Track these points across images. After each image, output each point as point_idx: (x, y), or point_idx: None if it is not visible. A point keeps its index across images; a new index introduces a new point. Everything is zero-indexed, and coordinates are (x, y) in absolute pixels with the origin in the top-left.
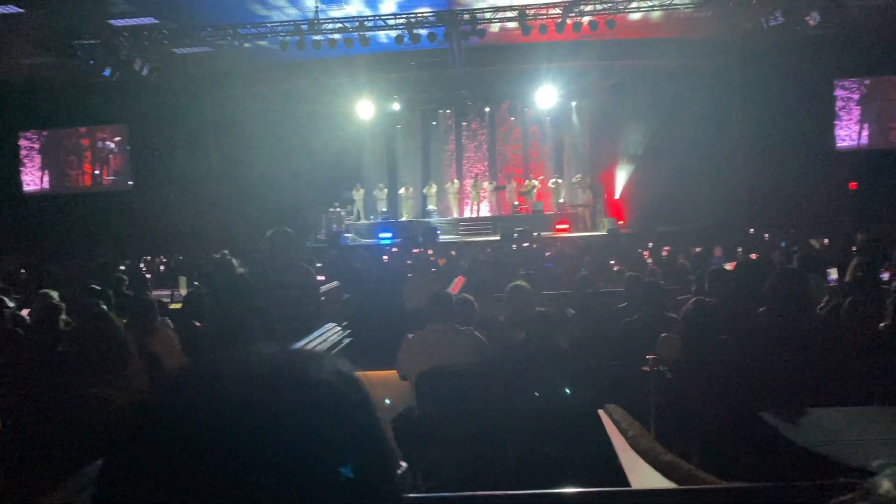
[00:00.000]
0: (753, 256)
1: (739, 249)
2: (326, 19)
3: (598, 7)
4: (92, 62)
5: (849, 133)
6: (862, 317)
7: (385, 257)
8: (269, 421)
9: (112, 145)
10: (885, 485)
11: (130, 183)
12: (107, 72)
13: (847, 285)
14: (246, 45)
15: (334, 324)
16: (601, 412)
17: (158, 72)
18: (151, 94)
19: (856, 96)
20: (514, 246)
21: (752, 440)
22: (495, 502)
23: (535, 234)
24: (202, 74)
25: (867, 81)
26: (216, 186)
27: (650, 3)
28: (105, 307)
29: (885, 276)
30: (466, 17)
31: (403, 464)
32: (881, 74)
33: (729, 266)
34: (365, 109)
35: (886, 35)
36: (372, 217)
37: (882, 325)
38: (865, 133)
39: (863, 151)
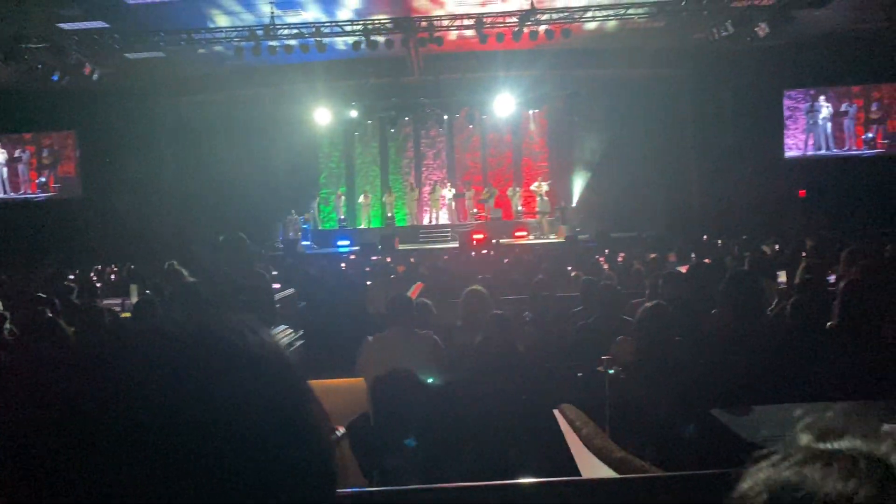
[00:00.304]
0: (707, 261)
1: (693, 255)
2: (282, 25)
3: (554, 16)
4: (40, 66)
5: (795, 142)
6: (808, 317)
7: (343, 265)
8: (181, 389)
9: (57, 151)
10: (804, 438)
11: (80, 190)
12: (55, 76)
13: (795, 287)
14: (200, 50)
15: (286, 326)
16: (556, 412)
17: (109, 77)
18: (102, 99)
19: (802, 106)
20: (473, 253)
21: (703, 436)
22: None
23: (493, 240)
24: (155, 80)
25: (812, 91)
26: (170, 193)
27: (605, 13)
28: (52, 316)
29: (832, 278)
30: (424, 24)
31: (340, 429)
32: (828, 85)
33: (682, 269)
34: (322, 116)
35: (832, 46)
36: (330, 225)
37: (829, 324)
38: (811, 142)
39: (810, 160)
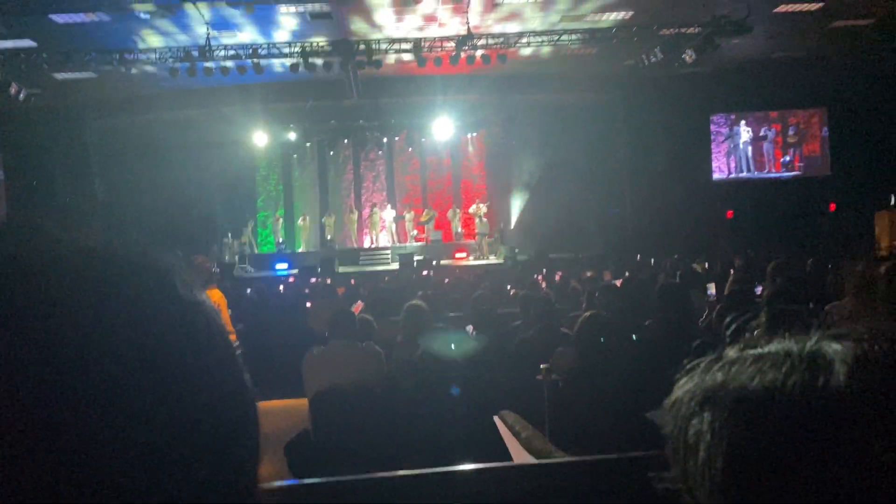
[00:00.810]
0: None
1: (627, 273)
2: (218, 46)
3: (491, 42)
4: None
5: (718, 165)
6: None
7: (281, 287)
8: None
9: None
10: (732, 350)
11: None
12: None
13: (724, 297)
14: (133, 70)
15: None
16: (496, 418)
17: (36, 97)
18: (28, 120)
19: (724, 130)
20: (414, 276)
21: (639, 438)
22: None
23: (433, 262)
24: (85, 101)
25: (733, 116)
26: (102, 218)
27: (539, 39)
28: None
29: (759, 289)
30: (362, 47)
31: (235, 341)
32: (748, 110)
33: (617, 283)
34: (260, 138)
35: (753, 73)
36: (267, 248)
37: (756, 333)
38: (734, 164)
39: (735, 182)
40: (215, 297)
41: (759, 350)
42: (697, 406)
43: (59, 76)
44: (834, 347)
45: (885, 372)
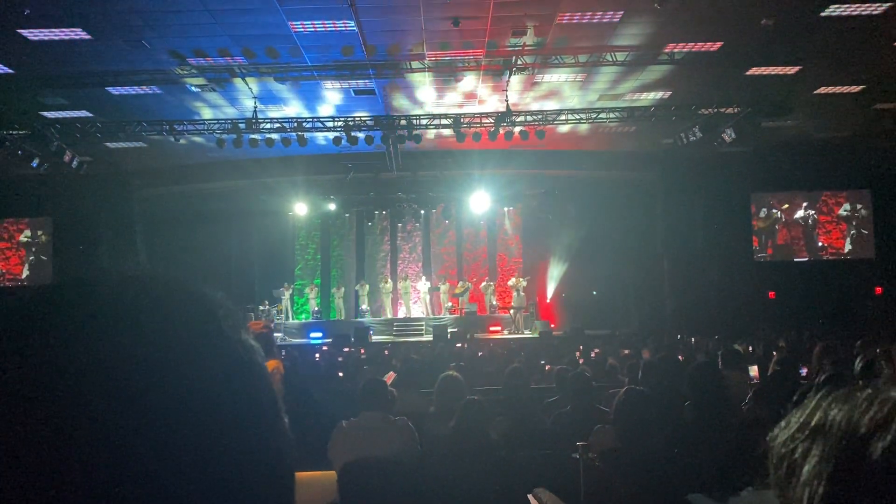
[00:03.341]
0: (680, 358)
1: (665, 351)
2: (264, 119)
3: (529, 118)
4: (20, 153)
5: (761, 245)
6: (774, 405)
7: (317, 355)
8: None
9: (29, 238)
10: None
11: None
12: (35, 163)
13: (766, 378)
14: (181, 141)
15: None
16: (530, 496)
17: (88, 165)
18: (79, 186)
19: (765, 210)
20: (446, 348)
21: None
22: None
23: (468, 335)
24: (134, 169)
25: (774, 196)
26: None
27: (577, 117)
28: None
29: (804, 371)
30: (403, 122)
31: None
32: (792, 189)
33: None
34: (300, 208)
35: (796, 153)
36: (303, 317)
37: (881, 380)
38: (771, 244)
39: (778, 262)
40: (271, 365)
41: (872, 392)
42: (809, 435)
43: (112, 145)
44: None
45: None
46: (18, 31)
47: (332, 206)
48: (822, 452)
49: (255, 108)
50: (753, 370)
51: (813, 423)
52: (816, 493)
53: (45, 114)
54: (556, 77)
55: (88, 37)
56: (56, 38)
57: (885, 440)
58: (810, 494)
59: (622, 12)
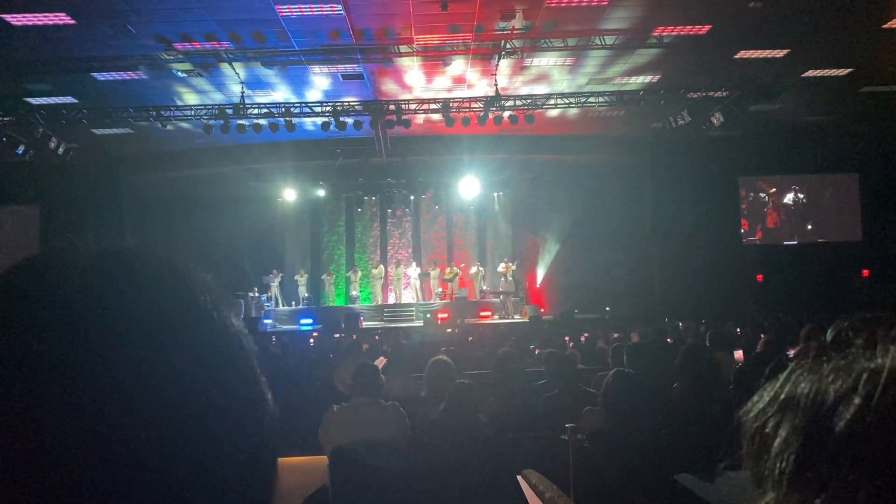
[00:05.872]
0: (669, 341)
1: (654, 334)
2: (252, 104)
3: (518, 103)
4: (4, 139)
5: (747, 228)
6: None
7: (311, 341)
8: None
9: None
10: None
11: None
12: (20, 150)
13: (752, 358)
14: (168, 127)
15: None
16: (520, 478)
17: (75, 151)
18: (66, 174)
19: (753, 193)
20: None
21: (666, 500)
22: None
23: (458, 320)
24: (121, 156)
25: (761, 179)
26: None
27: (566, 101)
28: None
29: (791, 352)
30: (392, 107)
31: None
32: (780, 173)
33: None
34: (289, 195)
35: (785, 137)
36: (294, 303)
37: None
38: (761, 228)
39: (765, 245)
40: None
41: (837, 363)
42: (778, 409)
43: (98, 131)
44: None
45: None
46: (2, 15)
47: (321, 192)
48: (791, 425)
49: (243, 93)
50: (738, 354)
51: (783, 396)
52: (786, 466)
53: (30, 100)
54: (545, 61)
55: (73, 21)
56: (40, 22)
57: (848, 411)
58: (780, 468)
59: None
